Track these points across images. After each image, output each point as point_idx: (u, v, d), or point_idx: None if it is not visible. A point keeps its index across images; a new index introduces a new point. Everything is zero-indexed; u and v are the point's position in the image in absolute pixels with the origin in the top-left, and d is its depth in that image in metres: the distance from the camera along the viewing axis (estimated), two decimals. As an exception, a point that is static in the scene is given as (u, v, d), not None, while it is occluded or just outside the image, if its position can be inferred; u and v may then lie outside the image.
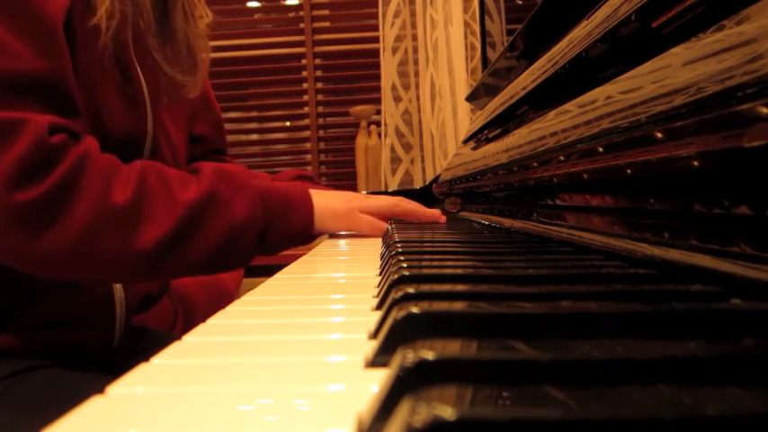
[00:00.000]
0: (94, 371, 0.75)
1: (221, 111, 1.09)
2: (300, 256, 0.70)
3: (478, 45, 1.85)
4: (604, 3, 0.50)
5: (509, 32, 1.18)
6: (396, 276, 0.36)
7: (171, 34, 0.81)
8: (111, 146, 0.74)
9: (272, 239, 0.76)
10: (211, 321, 0.34)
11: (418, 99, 2.23)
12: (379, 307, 0.36)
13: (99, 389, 0.22)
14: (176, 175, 0.72)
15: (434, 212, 0.93)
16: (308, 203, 0.79)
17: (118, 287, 0.79)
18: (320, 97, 2.57)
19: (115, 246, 0.65)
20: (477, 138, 1.15)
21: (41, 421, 0.19)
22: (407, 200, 0.93)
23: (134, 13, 0.74)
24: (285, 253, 0.95)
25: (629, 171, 0.36)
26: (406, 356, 0.19)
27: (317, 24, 2.53)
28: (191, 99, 0.91)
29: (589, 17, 0.54)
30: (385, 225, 0.86)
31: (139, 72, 0.78)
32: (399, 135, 2.25)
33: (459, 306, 0.28)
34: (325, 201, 0.80)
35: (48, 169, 0.62)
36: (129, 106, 0.77)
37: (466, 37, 2.04)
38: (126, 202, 0.66)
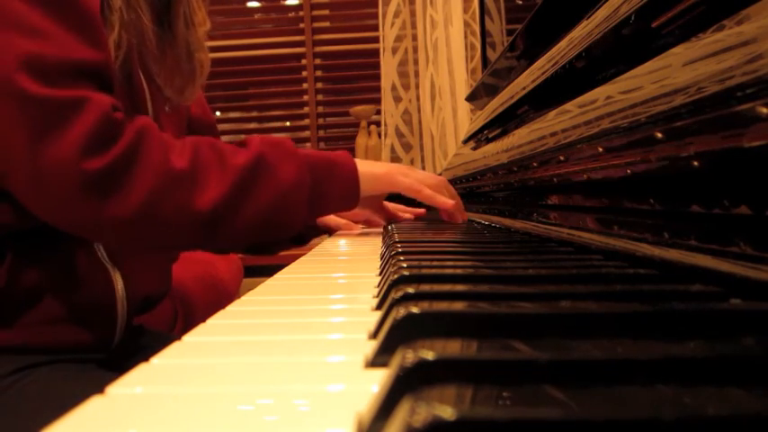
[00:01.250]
0: (95, 368, 0.75)
1: (221, 111, 1.13)
2: (300, 256, 0.71)
3: (478, 45, 1.85)
4: (604, 3, 0.50)
5: (509, 32, 1.18)
6: (396, 276, 0.36)
7: (172, 42, 0.84)
8: None
9: (321, 201, 0.79)
10: (211, 321, 0.34)
11: (418, 99, 2.23)
12: (379, 307, 0.36)
13: (102, 385, 0.22)
14: (227, 145, 0.76)
15: (458, 213, 0.92)
16: (352, 167, 0.82)
17: (119, 286, 0.79)
18: (320, 97, 2.57)
19: (176, 209, 0.69)
20: (477, 138, 1.15)
21: (45, 418, 0.19)
22: (449, 188, 0.93)
23: (138, 42, 0.78)
24: (285, 253, 0.94)
25: (629, 171, 0.36)
26: (406, 356, 0.19)
27: (316, 24, 2.53)
28: (188, 105, 0.94)
29: (589, 17, 0.54)
30: (427, 190, 0.87)
31: (143, 80, 0.81)
32: (399, 135, 2.25)
33: (459, 306, 0.28)
34: (367, 167, 0.84)
35: (113, 141, 0.67)
36: (133, 114, 0.79)
37: (466, 37, 2.04)
38: (184, 167, 0.70)
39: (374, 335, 0.29)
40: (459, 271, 0.43)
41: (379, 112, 2.31)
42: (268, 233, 0.77)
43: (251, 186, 0.73)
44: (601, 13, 0.50)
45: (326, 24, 2.56)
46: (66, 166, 0.64)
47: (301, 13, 2.52)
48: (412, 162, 2.24)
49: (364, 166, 0.84)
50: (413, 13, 2.22)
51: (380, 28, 2.24)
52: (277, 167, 0.75)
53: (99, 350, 0.79)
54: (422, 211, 1.13)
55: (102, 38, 0.70)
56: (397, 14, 2.22)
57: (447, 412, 0.14)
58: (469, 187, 1.01)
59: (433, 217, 1.16)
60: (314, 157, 0.80)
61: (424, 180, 0.89)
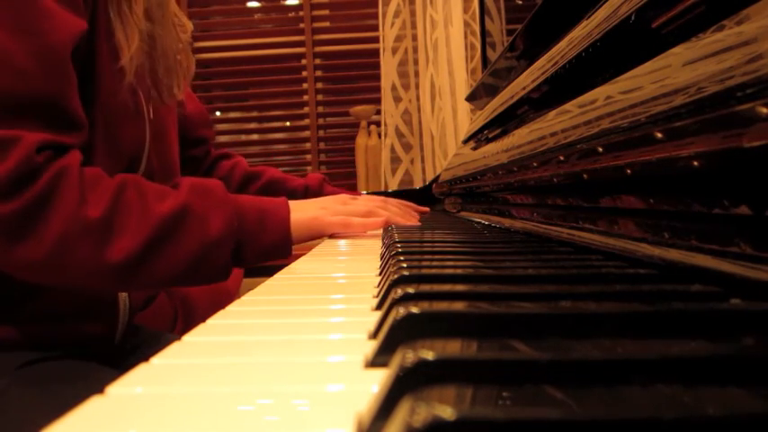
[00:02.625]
0: (96, 366, 0.75)
1: (221, 111, 1.15)
2: (300, 256, 0.71)
3: (478, 45, 1.85)
4: (604, 3, 0.50)
5: (509, 32, 1.18)
6: (396, 276, 0.36)
7: (158, 45, 0.84)
8: (122, 160, 0.79)
9: (247, 255, 0.77)
10: (211, 321, 0.34)
11: (418, 99, 2.23)
12: (378, 307, 0.36)
13: (106, 381, 0.22)
14: (155, 188, 0.73)
15: (410, 218, 0.93)
16: (284, 219, 0.80)
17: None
18: (320, 97, 2.57)
19: (86, 257, 0.67)
20: (477, 138, 1.15)
21: (45, 416, 0.19)
22: (384, 205, 0.93)
23: (151, 52, 0.80)
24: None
25: (629, 171, 0.36)
26: (406, 356, 0.19)
27: (316, 24, 2.53)
28: (180, 110, 0.95)
29: (589, 17, 0.54)
30: (356, 220, 0.86)
31: (139, 91, 0.82)
32: (399, 135, 2.25)
33: (459, 306, 0.28)
34: (298, 212, 0.82)
35: (27, 184, 0.65)
36: (135, 125, 0.82)
37: (466, 37, 2.04)
38: (99, 214, 0.68)
39: (374, 335, 0.29)
40: (459, 271, 0.43)
41: (379, 112, 2.31)
42: (188, 282, 0.76)
43: (172, 237, 0.71)
44: (601, 13, 0.50)
45: (326, 24, 2.56)
46: None
47: (301, 13, 2.52)
48: (412, 162, 2.24)
49: (295, 213, 0.82)
50: (413, 13, 2.22)
51: (380, 28, 2.24)
52: (203, 219, 0.73)
53: (102, 346, 0.79)
54: (425, 209, 1.14)
55: (64, 69, 0.69)
56: (397, 14, 2.22)
57: (447, 412, 0.14)
58: (469, 187, 1.01)
59: (433, 217, 1.16)
60: (245, 206, 0.78)
61: (355, 211, 0.88)
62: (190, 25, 0.94)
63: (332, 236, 0.96)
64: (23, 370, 0.70)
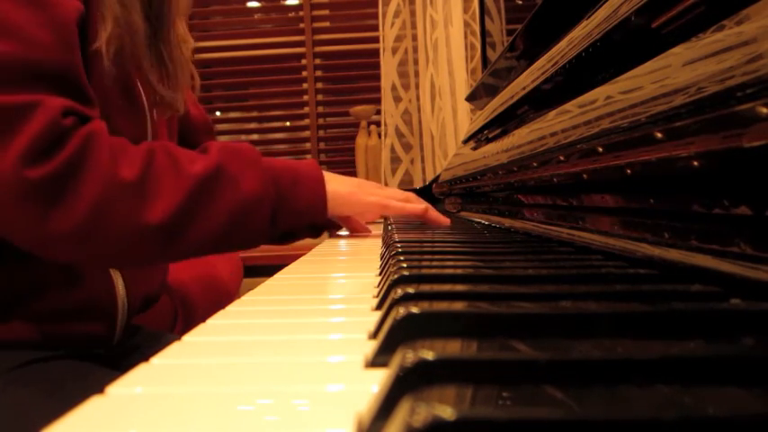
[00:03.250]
0: (95, 366, 0.75)
1: (221, 111, 1.14)
2: (300, 256, 0.71)
3: (478, 45, 1.85)
4: (604, 3, 0.50)
5: (509, 32, 1.18)
6: (396, 276, 0.36)
7: (161, 57, 0.83)
8: None
9: (284, 216, 0.75)
10: (211, 321, 0.34)
11: (418, 99, 2.23)
12: (378, 307, 0.36)
13: (105, 381, 0.22)
14: (185, 152, 0.72)
15: (442, 219, 0.90)
16: (319, 182, 0.78)
17: (119, 285, 0.80)
18: (320, 97, 2.57)
19: (124, 221, 0.66)
20: (477, 138, 1.15)
21: (45, 416, 0.19)
22: (418, 198, 0.91)
23: (131, 40, 0.76)
24: (285, 253, 0.94)
25: (629, 171, 0.36)
26: (406, 356, 0.19)
27: (316, 24, 2.53)
28: (182, 116, 0.94)
29: (589, 17, 0.54)
30: (395, 202, 0.85)
31: (140, 88, 0.81)
32: (399, 135, 2.25)
33: (459, 306, 0.28)
34: (334, 183, 0.80)
35: (58, 148, 0.64)
36: (133, 120, 0.80)
37: (466, 37, 2.04)
38: (134, 177, 0.66)
39: (374, 335, 0.29)
40: (459, 271, 0.43)
41: (379, 112, 2.31)
42: (227, 246, 0.74)
43: (208, 197, 0.70)
44: (601, 13, 0.50)
45: (326, 24, 2.56)
46: (7, 174, 0.62)
47: (301, 13, 2.52)
48: (412, 162, 2.24)
49: (331, 183, 0.79)
50: (413, 13, 2.22)
51: (380, 28, 2.24)
52: (237, 177, 0.71)
53: (101, 346, 0.79)
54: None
55: (73, 42, 0.68)
56: (397, 14, 2.22)
57: (447, 412, 0.14)
58: (469, 187, 1.01)
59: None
60: (279, 168, 0.76)
61: (393, 195, 0.87)
62: (191, 41, 0.93)
63: (332, 236, 0.96)
64: (21, 370, 0.70)
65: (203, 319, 0.34)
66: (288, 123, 2.71)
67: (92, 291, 0.77)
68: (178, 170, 0.69)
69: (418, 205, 0.87)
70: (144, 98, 0.82)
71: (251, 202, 0.71)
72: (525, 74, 0.78)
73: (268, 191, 0.73)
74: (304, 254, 0.73)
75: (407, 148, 2.25)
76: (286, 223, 0.76)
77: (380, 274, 0.50)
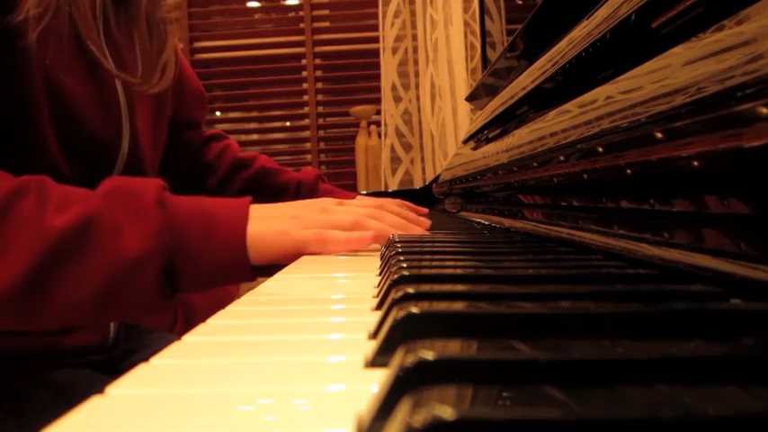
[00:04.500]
0: (92, 371, 0.75)
1: (221, 111, 1.08)
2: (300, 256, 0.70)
3: (478, 45, 1.85)
4: (604, 3, 0.50)
5: (509, 32, 1.18)
6: (396, 276, 0.36)
7: (135, 21, 0.74)
8: (81, 154, 0.68)
9: (186, 279, 0.60)
10: (211, 321, 0.34)
11: (418, 99, 2.23)
12: (378, 307, 0.36)
13: (100, 389, 0.22)
14: (64, 194, 0.58)
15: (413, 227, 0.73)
16: (238, 231, 0.60)
17: None
18: (320, 97, 2.57)
19: None
20: (477, 138, 1.15)
21: (44, 420, 0.19)
22: (384, 209, 0.72)
23: (65, 4, 0.65)
24: None
25: (629, 171, 0.36)
26: (406, 356, 0.19)
27: (317, 24, 2.53)
28: (171, 93, 0.85)
29: (589, 17, 0.54)
30: (336, 236, 0.63)
31: (102, 56, 0.71)
32: (399, 135, 2.25)
33: (459, 306, 0.28)
34: (262, 224, 0.62)
35: None
36: (102, 110, 0.72)
37: (466, 37, 2.04)
38: None
39: (374, 335, 0.29)
40: (459, 271, 0.43)
41: (379, 112, 2.31)
42: (110, 314, 0.61)
43: (70, 256, 0.56)
44: (601, 13, 0.50)
45: (326, 24, 2.57)
46: None
47: (301, 13, 2.52)
48: (412, 162, 2.24)
49: (257, 224, 0.61)
50: (413, 13, 2.22)
51: (380, 28, 2.24)
52: (116, 233, 0.56)
53: (96, 352, 0.79)
54: (423, 209, 0.96)
55: None
56: (397, 14, 2.22)
57: (447, 412, 0.14)
58: (469, 187, 1.01)
59: (433, 217, 1.16)
60: (184, 214, 0.59)
61: (338, 221, 0.65)
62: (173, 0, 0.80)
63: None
64: (20, 380, 0.69)
65: (203, 319, 0.34)
66: (288, 123, 2.71)
67: None
68: (39, 221, 0.55)
69: (362, 235, 0.65)
70: (120, 89, 0.73)
71: (131, 262, 0.56)
72: (525, 74, 0.78)
73: (158, 247, 0.57)
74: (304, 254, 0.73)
75: (407, 148, 2.25)
76: (190, 286, 0.61)
77: (380, 274, 0.50)
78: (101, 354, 0.79)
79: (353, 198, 0.87)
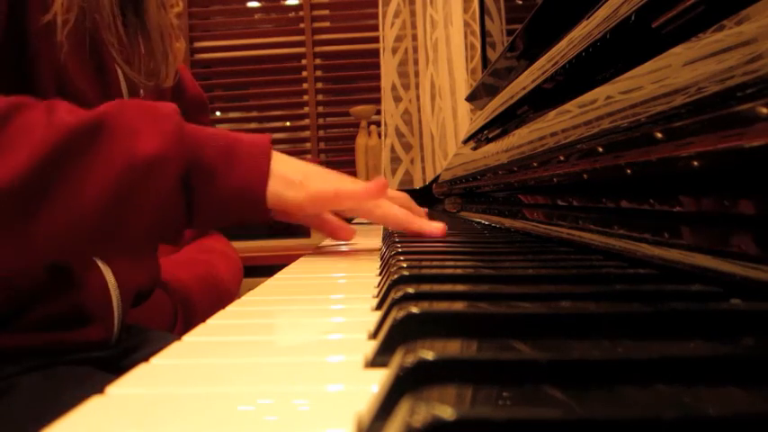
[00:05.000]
0: (94, 369, 0.75)
1: (221, 111, 1.07)
2: (300, 255, 0.70)
3: (478, 45, 1.85)
4: (604, 3, 0.50)
5: (509, 32, 1.18)
6: (396, 276, 0.36)
7: (144, 25, 0.75)
8: None
9: (202, 202, 0.55)
10: (211, 321, 0.34)
11: (418, 99, 2.23)
12: (378, 307, 0.36)
13: (101, 387, 0.22)
14: (73, 107, 0.55)
15: (427, 227, 0.68)
16: (262, 159, 0.57)
17: (112, 281, 0.78)
18: (320, 97, 2.57)
19: None
20: (477, 138, 1.15)
21: (44, 421, 0.19)
22: (389, 202, 0.68)
23: (90, 8, 0.65)
24: (285, 253, 0.87)
25: (629, 171, 0.36)
26: (406, 356, 0.19)
27: (317, 24, 2.53)
28: (170, 98, 0.85)
29: (589, 17, 0.54)
30: (349, 188, 0.61)
31: (118, 66, 0.72)
32: (399, 135, 2.25)
33: (459, 306, 0.28)
34: (283, 166, 0.59)
35: None
36: (102, 91, 0.71)
37: (466, 37, 2.04)
38: None
39: (374, 335, 0.29)
40: (459, 271, 0.43)
41: (379, 112, 2.31)
42: (118, 224, 0.52)
43: (83, 151, 0.51)
44: (601, 13, 0.50)
45: (326, 24, 2.57)
46: None
47: (301, 13, 2.52)
48: (412, 162, 2.25)
49: (280, 164, 0.58)
50: (413, 13, 2.22)
51: (380, 28, 2.24)
52: (131, 132, 0.52)
53: (98, 348, 0.79)
54: (422, 210, 0.93)
55: None
56: (397, 14, 2.22)
57: (447, 412, 0.14)
58: (469, 187, 1.01)
59: (433, 218, 1.16)
60: (204, 131, 0.56)
61: (353, 188, 0.62)
62: (179, 5, 0.81)
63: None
64: (21, 377, 0.70)
65: (203, 319, 0.34)
66: (288, 123, 2.71)
67: (87, 291, 0.76)
68: (48, 124, 0.51)
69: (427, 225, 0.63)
70: (122, 81, 0.74)
71: (145, 162, 0.51)
72: (525, 74, 0.78)
73: (174, 150, 0.52)
74: (304, 254, 0.73)
75: (407, 148, 2.25)
76: (206, 209, 0.56)
77: (380, 274, 0.50)
78: (103, 350, 0.79)
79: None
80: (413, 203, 0.77)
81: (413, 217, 0.66)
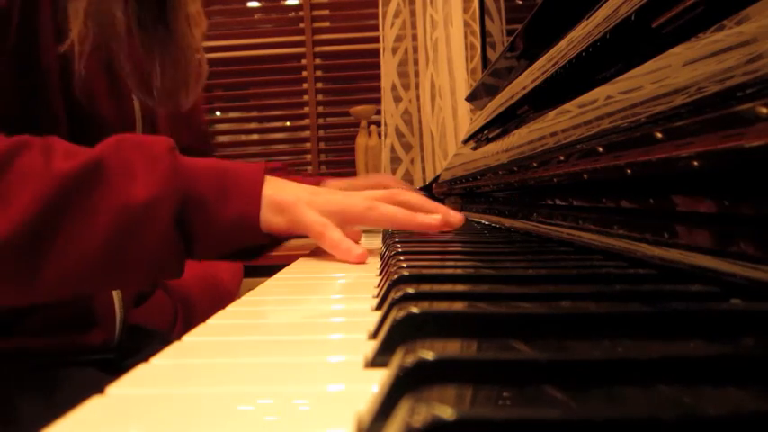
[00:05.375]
0: (96, 371, 0.75)
1: (221, 111, 1.07)
2: (300, 256, 0.70)
3: (478, 45, 1.85)
4: (604, 3, 0.50)
5: (509, 32, 1.18)
6: (396, 276, 0.36)
7: (166, 40, 0.75)
8: None
9: (199, 234, 0.57)
10: (211, 321, 0.34)
11: (418, 99, 2.23)
12: (378, 307, 0.36)
13: (102, 388, 0.22)
14: (70, 147, 0.56)
15: (430, 220, 0.65)
16: (254, 187, 0.59)
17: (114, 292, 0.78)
18: (320, 97, 2.57)
19: None
20: (478, 138, 1.15)
21: (46, 420, 0.19)
22: (399, 194, 0.67)
23: (106, 35, 0.66)
24: (285, 253, 0.87)
25: (629, 171, 0.36)
26: (406, 356, 0.19)
27: (317, 24, 2.53)
28: (185, 123, 0.84)
29: (589, 17, 0.54)
30: (331, 236, 0.60)
31: (124, 73, 0.73)
32: (399, 135, 2.25)
33: (459, 306, 0.28)
34: (277, 190, 0.60)
35: None
36: (118, 111, 0.72)
37: (466, 37, 2.04)
38: None
39: (374, 335, 0.29)
40: (459, 271, 0.43)
41: (379, 112, 2.31)
42: (117, 270, 0.55)
43: (78, 201, 0.52)
44: (601, 13, 0.50)
45: (326, 24, 2.56)
46: None
47: (301, 13, 2.52)
48: (412, 162, 2.24)
49: (273, 188, 0.59)
50: (413, 13, 2.22)
51: (380, 28, 2.24)
52: (127, 177, 0.54)
53: (101, 350, 0.79)
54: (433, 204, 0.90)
55: None
56: (397, 14, 2.22)
57: (447, 412, 0.14)
58: (469, 187, 1.01)
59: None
60: (197, 165, 0.58)
61: (354, 204, 0.61)
62: (204, 23, 0.80)
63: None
64: (24, 379, 0.69)
65: (203, 319, 0.34)
66: (288, 123, 2.71)
67: (90, 298, 0.75)
68: (45, 169, 0.53)
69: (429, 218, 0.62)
70: (136, 103, 0.74)
71: (141, 206, 0.53)
72: (525, 74, 0.78)
73: (170, 193, 0.54)
74: (304, 254, 0.73)
75: (407, 148, 2.25)
76: (204, 240, 0.58)
77: (380, 274, 0.50)
78: (106, 352, 0.79)
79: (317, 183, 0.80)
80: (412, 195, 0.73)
81: (411, 214, 0.64)
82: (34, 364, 0.71)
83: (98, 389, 0.22)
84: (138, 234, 0.53)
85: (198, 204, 0.56)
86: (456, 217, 0.66)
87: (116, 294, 0.79)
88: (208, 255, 0.61)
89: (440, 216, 0.65)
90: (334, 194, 0.64)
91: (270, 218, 0.59)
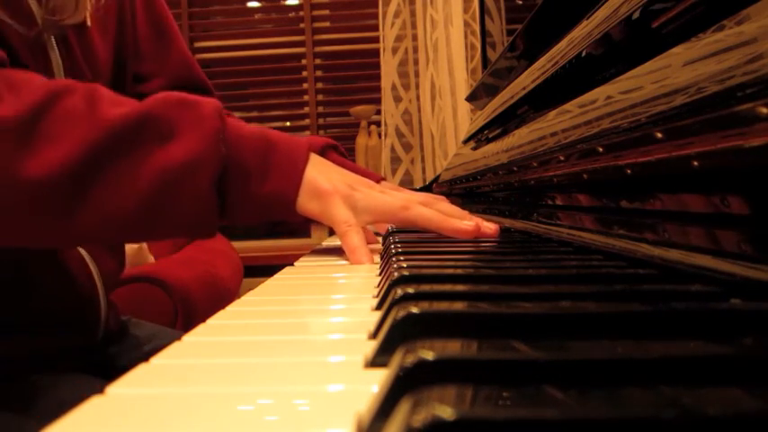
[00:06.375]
0: (82, 371, 0.73)
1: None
2: (300, 256, 0.70)
3: (478, 45, 1.85)
4: (604, 3, 0.50)
5: (509, 32, 1.18)
6: (396, 276, 0.36)
7: None
8: None
9: (235, 199, 0.57)
10: (211, 321, 0.34)
11: (418, 99, 2.23)
12: (378, 307, 0.36)
13: (101, 387, 0.22)
14: (115, 97, 0.55)
15: (464, 226, 0.63)
16: (297, 166, 0.59)
17: (92, 266, 0.75)
18: (320, 97, 2.57)
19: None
20: (478, 138, 1.15)
21: (46, 420, 0.19)
22: (436, 200, 0.67)
23: None
24: (285, 253, 0.85)
25: (629, 171, 0.36)
26: (406, 356, 0.19)
27: (317, 24, 2.53)
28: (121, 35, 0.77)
29: (589, 17, 0.54)
30: (364, 254, 0.59)
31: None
32: (399, 135, 2.25)
33: (459, 306, 0.28)
34: (318, 173, 0.60)
35: None
36: (34, 61, 0.66)
37: (466, 37, 2.04)
38: (15, 116, 0.50)
39: (374, 335, 0.29)
40: (459, 271, 0.43)
41: (379, 112, 2.31)
42: (151, 223, 0.55)
43: (123, 151, 0.52)
44: (601, 13, 0.50)
45: (326, 24, 2.57)
46: None
47: (301, 13, 2.52)
48: (412, 162, 2.24)
49: (315, 170, 0.59)
50: (413, 13, 2.22)
51: (380, 28, 2.24)
52: (171, 133, 0.53)
53: (85, 353, 0.76)
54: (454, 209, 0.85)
55: None
56: (397, 14, 2.22)
57: (447, 412, 0.14)
58: (469, 187, 1.01)
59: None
60: (243, 130, 0.57)
61: (391, 202, 0.62)
62: None
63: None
64: (20, 379, 0.68)
65: (203, 319, 0.34)
66: (288, 123, 2.71)
67: (75, 295, 0.73)
68: (90, 114, 0.52)
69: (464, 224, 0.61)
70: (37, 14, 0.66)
71: (182, 165, 0.53)
72: (525, 74, 0.78)
73: (211, 154, 0.54)
74: (304, 254, 0.73)
75: (407, 148, 2.25)
76: (239, 205, 0.57)
77: (380, 274, 0.50)
78: (92, 341, 0.77)
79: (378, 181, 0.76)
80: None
81: (445, 217, 0.64)
82: (31, 362, 0.70)
83: (96, 388, 0.22)
84: (177, 193, 0.54)
85: (238, 173, 0.56)
86: (491, 228, 0.64)
87: (95, 276, 0.75)
88: (239, 221, 0.61)
89: (473, 222, 0.63)
90: (373, 190, 0.63)
91: (305, 201, 0.59)
